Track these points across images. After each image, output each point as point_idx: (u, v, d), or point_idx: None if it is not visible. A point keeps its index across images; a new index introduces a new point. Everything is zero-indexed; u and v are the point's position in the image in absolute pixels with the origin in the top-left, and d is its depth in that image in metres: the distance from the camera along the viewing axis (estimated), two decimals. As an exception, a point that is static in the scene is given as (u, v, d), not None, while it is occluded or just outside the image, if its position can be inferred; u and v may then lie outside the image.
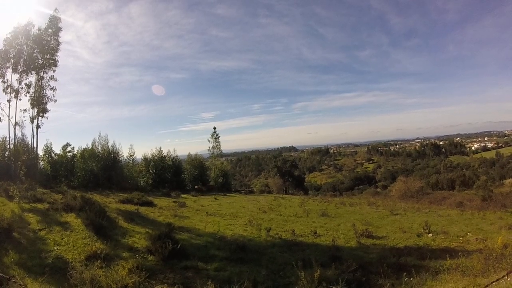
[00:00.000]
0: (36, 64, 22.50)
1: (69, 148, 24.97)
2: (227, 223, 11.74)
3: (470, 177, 57.63)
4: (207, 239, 9.27)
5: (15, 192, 12.01)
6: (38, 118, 22.32)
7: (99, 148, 25.40)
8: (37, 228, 8.64)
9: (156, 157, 30.55)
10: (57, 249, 7.33)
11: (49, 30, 22.75)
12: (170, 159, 31.34)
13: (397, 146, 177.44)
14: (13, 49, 21.92)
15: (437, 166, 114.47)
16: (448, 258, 6.30)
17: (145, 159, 30.37)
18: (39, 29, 22.63)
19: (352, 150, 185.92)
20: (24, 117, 22.02)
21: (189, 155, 34.65)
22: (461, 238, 9.16)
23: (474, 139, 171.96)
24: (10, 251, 6.68)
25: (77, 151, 25.17)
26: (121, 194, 17.34)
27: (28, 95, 22.28)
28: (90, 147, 25.24)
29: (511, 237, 7.95)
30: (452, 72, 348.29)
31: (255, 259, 7.48)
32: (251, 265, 7.04)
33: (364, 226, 10.86)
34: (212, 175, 34.89)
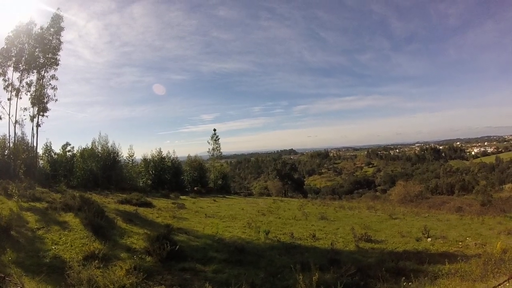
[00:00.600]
0: (37, 63, 22.62)
1: (68, 148, 25.09)
2: (225, 225, 11.72)
3: (470, 182, 57.61)
4: (206, 241, 9.25)
5: (14, 190, 11.99)
6: (38, 117, 22.46)
7: (99, 148, 25.47)
8: (35, 227, 8.64)
9: (155, 158, 30.51)
10: (55, 248, 7.32)
11: (51, 29, 22.89)
12: (170, 160, 31.26)
13: (397, 150, 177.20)
14: (14, 48, 22.03)
15: (437, 170, 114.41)
16: (447, 262, 6.29)
17: (145, 160, 30.33)
18: (41, 28, 22.78)
19: (352, 154, 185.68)
20: (24, 115, 22.18)
21: (188, 156, 34.68)
22: (460, 243, 9.15)
23: (474, 144, 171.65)
24: (8, 249, 6.67)
25: (77, 150, 25.27)
26: (120, 195, 17.32)
27: (28, 93, 22.42)
28: (90, 147, 25.30)
29: (510, 242, 7.94)
30: (453, 77, 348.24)
31: (253, 262, 7.46)
32: (249, 268, 7.02)
33: (363, 230, 10.82)
34: (211, 177, 34.85)
